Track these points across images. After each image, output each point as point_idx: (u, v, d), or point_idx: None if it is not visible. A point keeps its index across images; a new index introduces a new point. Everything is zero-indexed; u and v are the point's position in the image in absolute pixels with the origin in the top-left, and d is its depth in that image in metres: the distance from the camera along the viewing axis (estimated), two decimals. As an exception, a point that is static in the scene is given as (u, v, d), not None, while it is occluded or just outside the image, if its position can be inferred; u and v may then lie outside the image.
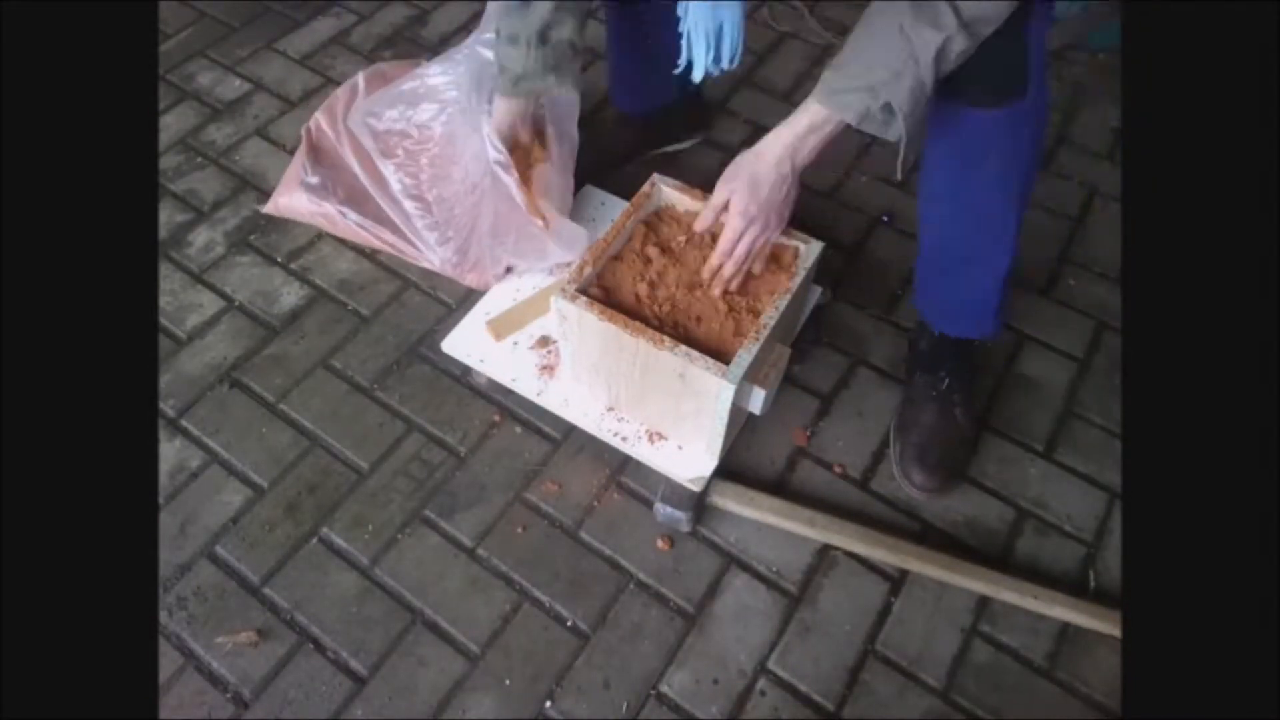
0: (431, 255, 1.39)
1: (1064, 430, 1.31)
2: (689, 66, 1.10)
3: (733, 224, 1.04)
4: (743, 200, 1.02)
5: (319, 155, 1.50)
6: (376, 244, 1.45)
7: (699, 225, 1.09)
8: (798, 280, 1.08)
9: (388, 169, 1.41)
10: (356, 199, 1.45)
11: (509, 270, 1.34)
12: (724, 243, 1.05)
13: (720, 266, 1.07)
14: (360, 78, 1.55)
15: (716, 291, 1.08)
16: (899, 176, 1.00)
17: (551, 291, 1.11)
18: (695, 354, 1.00)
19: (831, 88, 0.94)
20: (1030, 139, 1.04)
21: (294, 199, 1.47)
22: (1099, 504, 1.24)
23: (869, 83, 0.90)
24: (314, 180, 1.46)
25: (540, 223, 1.24)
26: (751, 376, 1.03)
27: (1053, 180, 1.63)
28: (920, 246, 1.22)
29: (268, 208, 1.51)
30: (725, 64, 1.10)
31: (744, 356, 1.00)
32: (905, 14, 0.87)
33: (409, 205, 1.39)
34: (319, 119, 1.51)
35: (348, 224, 1.45)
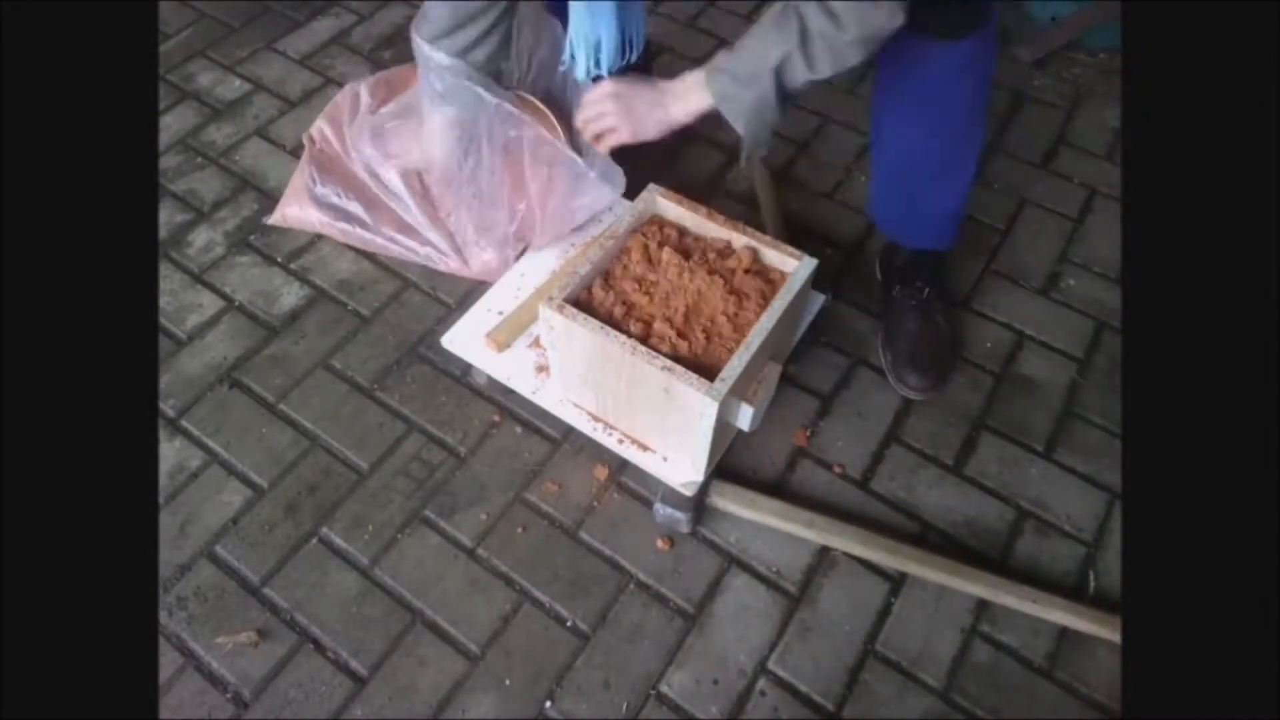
0: (448, 259, 1.42)
1: (1064, 430, 1.31)
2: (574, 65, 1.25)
3: (596, 94, 1.18)
4: (616, 85, 1.16)
5: (325, 165, 1.50)
6: (392, 252, 1.46)
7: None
8: (786, 298, 1.06)
9: (393, 177, 1.43)
10: (367, 207, 1.46)
11: (523, 252, 1.37)
12: (584, 112, 1.21)
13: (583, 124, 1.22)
14: (363, 86, 1.54)
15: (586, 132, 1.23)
16: (742, 165, 1.20)
17: (547, 292, 1.11)
18: (679, 369, 0.99)
19: (715, 67, 1.06)
20: (991, 60, 1.14)
21: (304, 211, 1.47)
22: (1099, 504, 1.24)
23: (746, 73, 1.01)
24: (324, 190, 1.46)
25: (578, 158, 1.28)
26: (739, 393, 1.03)
27: (1053, 180, 1.63)
28: (879, 165, 1.28)
29: (274, 219, 1.50)
30: (605, 70, 1.22)
31: (728, 373, 0.99)
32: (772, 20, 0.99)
33: (416, 209, 1.42)
34: (322, 127, 1.51)
35: (360, 234, 1.45)
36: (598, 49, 1.22)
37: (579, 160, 1.28)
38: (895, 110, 1.18)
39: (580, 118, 1.22)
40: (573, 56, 1.25)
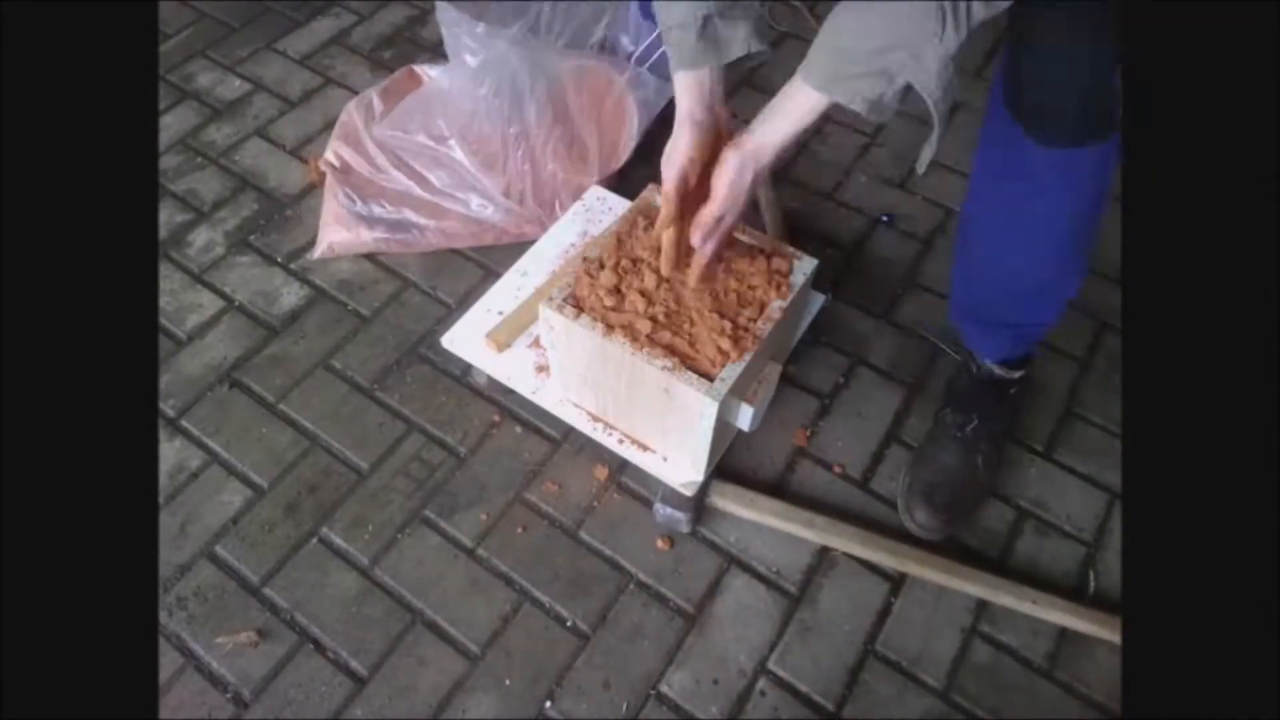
0: (503, 216, 1.47)
1: (1064, 430, 1.31)
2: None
3: (719, 200, 0.93)
4: (730, 176, 0.91)
5: (357, 185, 1.50)
6: (460, 243, 1.49)
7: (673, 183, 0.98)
8: (788, 299, 1.06)
9: (425, 166, 1.47)
10: (418, 209, 1.48)
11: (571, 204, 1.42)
12: (705, 217, 0.95)
13: (702, 244, 0.98)
14: (374, 95, 1.58)
15: (692, 281, 1.02)
16: (921, 170, 0.89)
17: (547, 292, 1.11)
18: (679, 369, 0.99)
19: (831, 73, 0.80)
20: (1110, 175, 0.97)
21: (354, 234, 1.46)
22: (1099, 504, 1.24)
23: (881, 66, 0.76)
24: (367, 208, 1.47)
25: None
26: (739, 393, 1.03)
27: (1053, 180, 1.63)
28: (970, 272, 1.16)
29: (319, 253, 1.47)
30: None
31: (729, 374, 0.99)
32: None
33: (464, 187, 1.47)
34: (338, 150, 1.52)
35: (424, 239, 1.47)
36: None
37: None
38: (992, 210, 1.06)
39: (715, 240, 0.99)
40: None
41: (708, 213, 0.96)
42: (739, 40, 0.94)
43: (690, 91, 0.97)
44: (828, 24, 0.81)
